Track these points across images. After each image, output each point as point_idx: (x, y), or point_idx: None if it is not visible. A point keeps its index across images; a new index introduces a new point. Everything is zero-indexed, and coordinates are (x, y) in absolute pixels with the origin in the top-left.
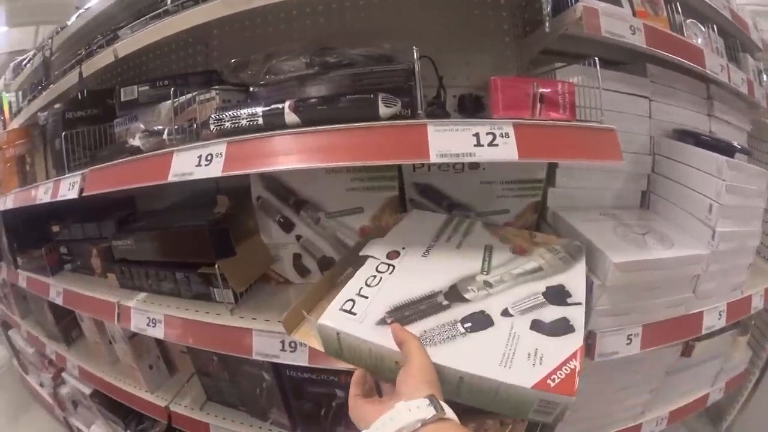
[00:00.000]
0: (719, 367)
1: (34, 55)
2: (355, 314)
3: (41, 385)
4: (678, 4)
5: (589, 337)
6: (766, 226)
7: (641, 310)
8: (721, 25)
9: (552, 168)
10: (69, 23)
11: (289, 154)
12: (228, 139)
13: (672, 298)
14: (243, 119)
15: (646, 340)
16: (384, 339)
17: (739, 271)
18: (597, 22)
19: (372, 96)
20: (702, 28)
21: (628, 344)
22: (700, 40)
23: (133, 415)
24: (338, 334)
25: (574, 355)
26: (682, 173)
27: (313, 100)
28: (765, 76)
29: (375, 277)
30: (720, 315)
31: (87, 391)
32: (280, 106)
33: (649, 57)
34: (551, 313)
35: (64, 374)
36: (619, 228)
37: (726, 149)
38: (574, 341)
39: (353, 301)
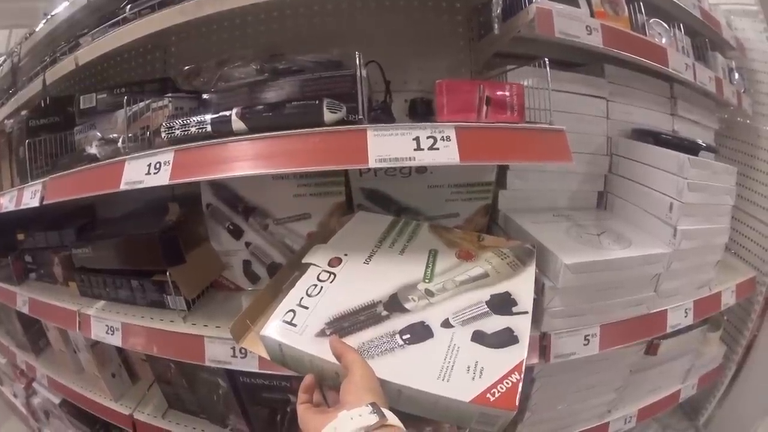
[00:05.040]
0: (690, 363)
1: (4, 61)
2: (295, 325)
3: (15, 395)
4: (641, 3)
5: (544, 339)
6: (736, 223)
7: (598, 310)
8: (689, 24)
9: (503, 170)
10: (37, 29)
11: (232, 161)
12: (175, 147)
13: (631, 298)
14: (192, 127)
15: (606, 340)
16: (323, 351)
17: (707, 268)
18: (550, 23)
19: (317, 102)
20: (667, 27)
21: (585, 345)
22: (664, 40)
23: (100, 424)
24: (280, 345)
25: (516, 368)
26: (640, 173)
27: (259, 107)
28: (737, 75)
29: (316, 286)
30: (686, 313)
31: (56, 400)
32: (227, 113)
33: (611, 58)
34: (495, 323)
35: (35, 384)
36: (573, 229)
37: (689, 147)
38: (517, 353)
39: (294, 311)
